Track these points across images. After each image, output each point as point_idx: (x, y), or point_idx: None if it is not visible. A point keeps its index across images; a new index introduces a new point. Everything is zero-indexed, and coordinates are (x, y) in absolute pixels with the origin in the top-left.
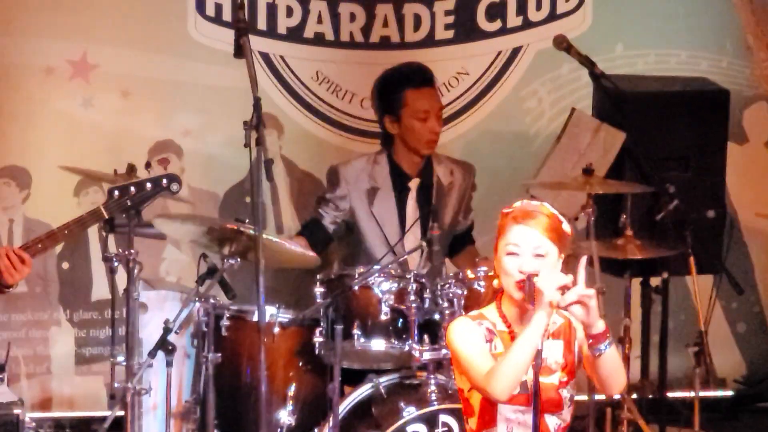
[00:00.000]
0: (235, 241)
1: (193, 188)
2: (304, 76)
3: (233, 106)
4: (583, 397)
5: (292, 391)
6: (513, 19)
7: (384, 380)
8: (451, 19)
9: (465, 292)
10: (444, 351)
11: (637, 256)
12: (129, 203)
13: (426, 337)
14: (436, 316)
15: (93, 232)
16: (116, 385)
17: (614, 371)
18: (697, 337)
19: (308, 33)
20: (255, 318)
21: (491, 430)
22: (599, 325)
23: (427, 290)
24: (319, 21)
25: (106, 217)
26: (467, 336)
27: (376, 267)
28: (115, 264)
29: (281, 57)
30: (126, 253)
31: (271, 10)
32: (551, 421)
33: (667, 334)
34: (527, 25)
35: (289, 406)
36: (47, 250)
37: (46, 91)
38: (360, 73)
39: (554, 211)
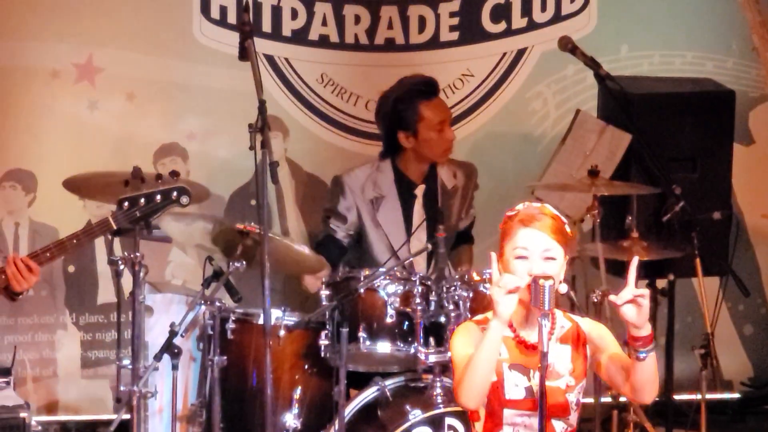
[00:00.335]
0: (240, 244)
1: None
2: (308, 79)
3: (238, 108)
4: (590, 400)
5: (297, 394)
6: (518, 21)
7: (390, 383)
8: (455, 20)
9: (471, 295)
10: (449, 354)
11: (643, 258)
12: (138, 214)
13: (432, 340)
14: (442, 319)
15: None
16: (122, 388)
17: (652, 377)
18: (703, 340)
19: (313, 35)
20: (261, 321)
21: None
22: (647, 328)
23: (433, 293)
24: (324, 23)
25: (115, 228)
26: (462, 341)
27: (382, 270)
28: (121, 267)
29: (286, 59)
30: (132, 256)
31: (276, 12)
32: (558, 425)
33: (673, 337)
34: (532, 26)
35: (295, 409)
36: (55, 259)
37: (52, 94)
38: (365, 75)
39: (556, 212)
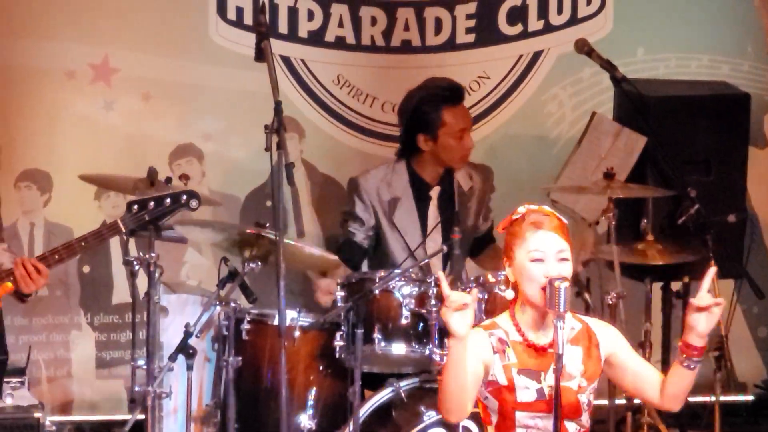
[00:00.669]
0: (256, 246)
1: (214, 192)
2: (325, 80)
3: (254, 109)
4: (604, 402)
5: (312, 395)
6: (534, 23)
7: (404, 384)
8: (472, 22)
9: (486, 296)
10: None
11: (658, 261)
12: (147, 218)
13: (446, 341)
14: None
15: None
16: (137, 388)
17: (688, 388)
18: (717, 342)
19: (329, 37)
20: (276, 322)
21: None
22: (705, 339)
23: None
24: (340, 24)
25: (124, 231)
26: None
27: (397, 271)
28: (136, 267)
29: (302, 60)
30: (147, 256)
31: (292, 13)
32: (570, 426)
33: None
34: (548, 29)
35: (310, 410)
36: (64, 261)
37: (68, 94)
38: (381, 76)
39: (556, 212)
